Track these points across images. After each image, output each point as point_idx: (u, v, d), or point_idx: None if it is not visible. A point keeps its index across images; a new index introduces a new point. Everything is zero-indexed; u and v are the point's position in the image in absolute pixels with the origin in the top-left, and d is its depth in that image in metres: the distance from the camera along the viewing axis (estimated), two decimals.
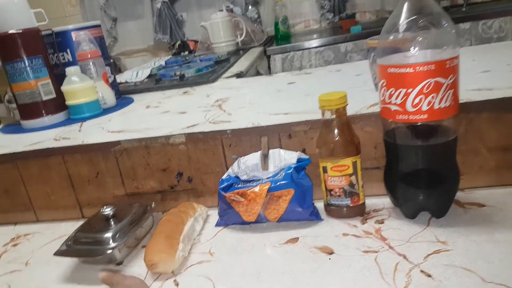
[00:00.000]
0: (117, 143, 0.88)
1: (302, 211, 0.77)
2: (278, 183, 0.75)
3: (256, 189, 0.76)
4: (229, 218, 0.80)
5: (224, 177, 0.82)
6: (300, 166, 0.78)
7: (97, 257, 0.69)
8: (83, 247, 0.72)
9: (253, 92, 1.22)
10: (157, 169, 0.89)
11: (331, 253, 0.68)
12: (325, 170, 0.76)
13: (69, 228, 0.91)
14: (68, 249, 0.72)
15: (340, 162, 0.74)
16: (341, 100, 0.73)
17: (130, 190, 0.92)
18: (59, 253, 0.71)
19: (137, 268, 0.72)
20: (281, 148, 0.83)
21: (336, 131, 0.74)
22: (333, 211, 0.79)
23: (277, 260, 0.69)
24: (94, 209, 0.93)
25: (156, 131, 0.90)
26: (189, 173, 0.88)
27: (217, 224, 0.82)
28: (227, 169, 0.86)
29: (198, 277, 0.67)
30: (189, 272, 0.69)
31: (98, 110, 1.21)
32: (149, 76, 1.78)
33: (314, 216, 0.78)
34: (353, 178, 0.76)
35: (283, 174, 0.77)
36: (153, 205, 0.84)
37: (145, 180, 0.90)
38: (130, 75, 1.81)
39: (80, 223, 0.92)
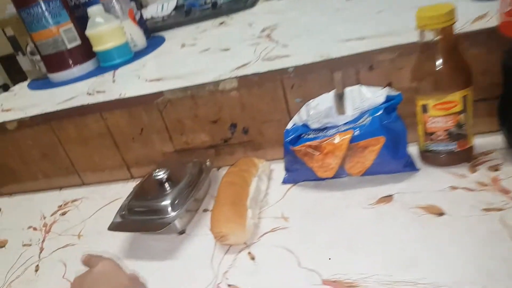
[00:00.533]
0: (159, 94, 0.76)
1: (395, 162, 0.63)
2: (364, 131, 0.61)
3: (335, 140, 0.62)
4: (299, 174, 0.69)
5: (289, 127, 0.68)
6: (391, 106, 0.63)
7: (157, 231, 0.61)
8: (139, 218, 0.65)
9: (306, 14, 1.00)
10: (207, 121, 0.77)
11: (440, 213, 0.55)
12: (425, 109, 0.61)
13: (119, 190, 0.85)
14: (123, 222, 0.65)
15: (447, 98, 0.58)
16: (449, 16, 0.55)
17: (179, 146, 0.82)
18: (113, 227, 0.64)
19: (202, 237, 0.64)
20: (360, 84, 0.68)
21: (441, 57, 0.57)
22: (432, 158, 0.64)
23: (369, 225, 0.57)
24: (143, 169, 0.85)
25: (201, 77, 0.76)
26: (244, 123, 0.76)
27: (284, 181, 0.71)
28: (290, 116, 0.73)
29: (275, 248, 0.57)
30: (263, 242, 0.59)
31: (129, 55, 1.08)
32: (176, 8, 1.59)
33: (409, 167, 0.64)
34: (461, 117, 0.60)
35: (369, 118, 0.62)
36: (208, 163, 0.74)
37: (195, 134, 0.79)
38: (155, 9, 1.63)
39: (130, 184, 0.86)
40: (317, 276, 0.51)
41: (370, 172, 0.64)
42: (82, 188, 0.91)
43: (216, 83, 0.72)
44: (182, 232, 0.66)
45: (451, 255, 0.49)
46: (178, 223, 0.64)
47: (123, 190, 0.83)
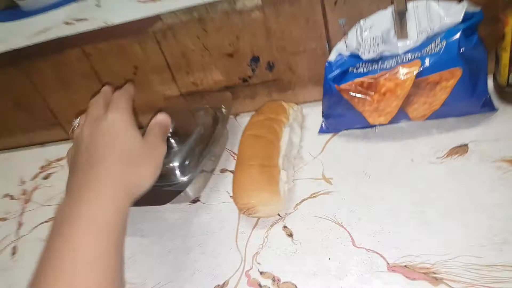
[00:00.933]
0: (156, 19, 0.61)
1: (471, 101, 0.49)
2: (435, 61, 0.47)
3: (398, 74, 0.48)
4: (343, 121, 0.55)
5: (332, 58, 0.54)
6: (471, 26, 0.48)
7: (165, 204, 0.49)
8: None
9: None
10: (220, 54, 0.63)
11: None
12: None
13: None
14: None
15: None
16: None
17: (185, 88, 0.68)
18: None
19: (222, 206, 0.52)
20: None
21: None
22: None
23: (440, 186, 0.45)
24: (142, 117, 0.72)
25: None
26: (269, 56, 0.62)
27: (322, 131, 0.58)
28: (330, 44, 0.58)
29: (317, 220, 0.46)
30: (301, 212, 0.48)
31: None
32: None
33: (487, 107, 0.51)
34: None
35: (442, 44, 0.47)
36: (223, 110, 0.61)
37: (205, 72, 0.65)
38: None
39: None
40: (380, 259, 0.40)
41: (436, 115, 0.51)
42: (68, 143, 0.79)
43: (232, 0, 0.57)
44: (195, 200, 0.54)
45: None
46: (190, 190, 0.52)
47: None
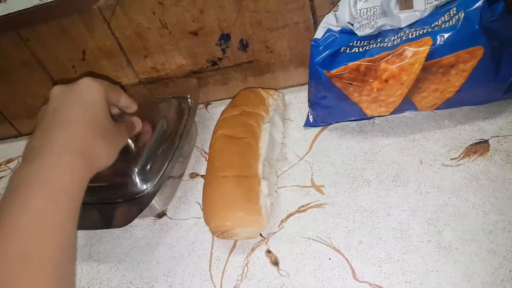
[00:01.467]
0: None
1: (493, 86, 0.40)
2: (451, 38, 0.37)
3: (404, 55, 0.38)
4: (334, 113, 0.45)
5: (319, 35, 0.43)
6: None
7: (122, 226, 0.39)
8: (94, 198, 0.42)
9: None
10: (183, 32, 0.51)
11: None
12: None
13: None
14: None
15: None
16: None
17: (145, 75, 0.56)
18: None
19: (192, 222, 0.43)
20: None
21: None
22: None
23: (460, 195, 0.36)
24: None
25: None
26: (241, 33, 0.50)
27: (308, 124, 0.49)
28: (315, 16, 0.47)
29: (308, 242, 0.37)
30: (288, 232, 0.38)
31: None
32: None
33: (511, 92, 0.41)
34: None
35: (459, 15, 0.37)
36: (190, 101, 0.50)
37: (166, 54, 0.53)
38: None
39: None
40: None
41: (449, 104, 0.41)
42: (19, 142, 0.68)
43: None
44: (162, 214, 0.45)
45: None
46: (156, 202, 0.42)
47: None
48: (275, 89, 0.53)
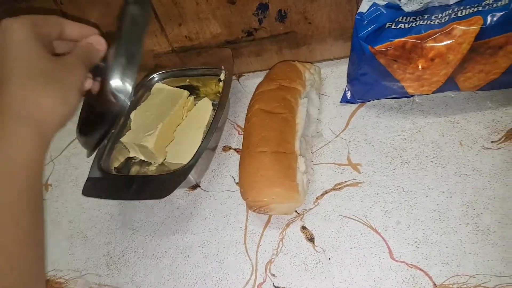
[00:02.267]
0: None
1: None
2: (501, 18, 0.34)
3: (452, 34, 0.36)
4: (374, 90, 0.44)
5: (364, 9, 0.40)
6: None
7: (161, 198, 0.39)
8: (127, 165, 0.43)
9: None
10: (220, 1, 0.49)
11: None
12: None
13: None
14: (102, 178, 0.43)
15: None
16: None
17: (178, 44, 0.55)
18: (88, 191, 0.42)
19: (226, 195, 0.43)
20: None
21: None
22: None
23: (501, 179, 0.35)
24: None
25: None
26: (281, 3, 0.48)
27: (345, 100, 0.47)
28: None
29: (343, 220, 0.37)
30: (323, 208, 0.38)
31: None
32: None
33: None
34: None
35: None
36: (223, 73, 0.49)
37: (201, 23, 0.52)
38: None
39: None
40: (425, 279, 0.32)
41: (492, 85, 0.40)
42: None
43: None
44: (195, 186, 0.45)
45: None
46: (190, 174, 0.42)
47: None
48: (311, 63, 0.52)
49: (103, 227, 0.46)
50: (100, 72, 0.34)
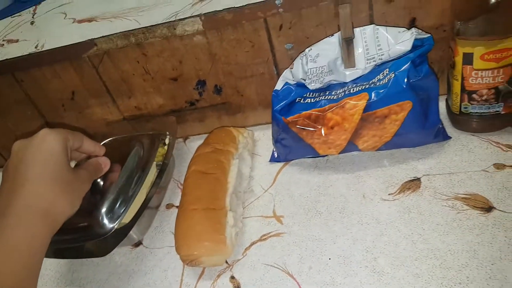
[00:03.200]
0: (90, 44, 0.53)
1: (423, 132, 0.46)
2: (384, 93, 0.43)
3: (345, 107, 0.44)
4: (294, 151, 0.50)
5: (278, 87, 0.48)
6: (421, 55, 0.44)
7: (100, 256, 0.42)
8: (67, 236, 0.45)
9: None
10: (164, 78, 0.56)
11: (490, 208, 0.40)
12: (468, 60, 0.42)
13: None
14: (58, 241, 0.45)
15: (503, 44, 0.40)
16: None
17: (128, 113, 0.61)
18: None
19: (166, 251, 0.47)
20: (372, 21, 0.47)
21: None
22: (468, 123, 0.48)
23: (395, 227, 0.41)
24: None
25: (151, 15, 0.53)
26: (215, 80, 0.55)
27: (273, 160, 0.53)
28: (277, 68, 0.53)
29: (267, 269, 0.41)
30: (250, 259, 0.43)
31: None
32: None
33: (440, 137, 0.47)
34: None
35: (390, 75, 0.43)
36: (167, 138, 0.55)
37: (148, 96, 0.58)
38: None
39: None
40: None
41: (388, 146, 0.47)
42: None
43: (172, 24, 0.50)
44: (138, 243, 0.48)
45: (511, 272, 0.35)
46: (134, 232, 0.46)
47: None
48: (246, 127, 0.58)
49: (53, 286, 0.47)
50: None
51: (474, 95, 0.45)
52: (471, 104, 0.46)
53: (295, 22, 0.48)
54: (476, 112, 0.46)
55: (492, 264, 0.36)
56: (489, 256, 0.36)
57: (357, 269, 0.39)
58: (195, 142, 0.61)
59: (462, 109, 0.47)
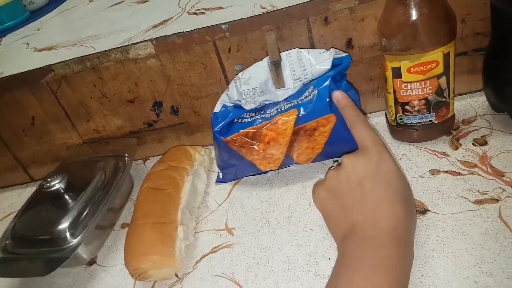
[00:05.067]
0: (48, 70, 0.54)
1: (351, 141, 0.48)
2: (310, 108, 0.45)
3: (277, 124, 0.46)
4: (238, 170, 0.52)
5: (217, 109, 0.51)
6: (340, 72, 0.47)
7: (50, 272, 0.42)
8: (28, 251, 0.45)
9: None
10: (120, 100, 0.57)
11: (425, 211, 0.42)
12: (396, 73, 0.46)
13: (15, 200, 0.64)
14: (5, 259, 0.45)
15: (426, 57, 0.43)
16: None
17: (87, 136, 0.62)
18: None
19: (119, 268, 0.46)
20: (312, 43, 0.51)
21: (419, 2, 0.41)
22: (406, 133, 0.51)
23: None
24: (45, 168, 0.65)
25: (106, 41, 0.55)
26: (172, 100, 0.57)
27: (219, 181, 0.54)
28: None
29: (215, 279, 0.42)
30: (201, 270, 0.43)
31: (23, 15, 0.83)
32: None
33: None
34: (442, 80, 0.46)
35: (314, 91, 0.46)
36: (126, 159, 0.56)
37: (106, 118, 0.59)
38: None
39: (29, 190, 0.66)
40: None
41: (321, 157, 0.49)
42: None
43: (125, 49, 0.52)
44: (92, 262, 0.48)
45: (442, 269, 0.36)
46: (83, 252, 0.46)
47: (20, 199, 0.63)
48: (204, 146, 0.60)
49: None
50: None
51: (407, 107, 0.48)
52: (406, 115, 0.49)
53: (242, 45, 0.51)
54: (411, 123, 0.49)
55: (425, 263, 0.37)
56: (423, 255, 0.38)
57: (300, 273, 0.40)
58: (154, 163, 0.62)
59: (398, 121, 0.50)
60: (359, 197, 0.36)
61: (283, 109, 0.46)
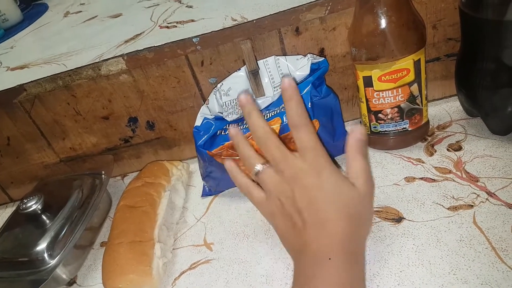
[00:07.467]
0: (20, 89, 0.54)
1: (335, 145, 0.49)
2: None
3: None
4: (223, 182, 0.52)
5: (198, 123, 0.51)
6: (319, 77, 0.47)
7: None
8: (6, 276, 0.45)
9: None
10: (95, 117, 0.57)
11: (400, 219, 0.43)
12: (368, 82, 0.46)
13: None
14: None
15: (396, 65, 0.44)
16: None
17: (64, 154, 0.61)
18: None
19: (99, 287, 0.46)
20: (285, 54, 0.51)
21: (386, 11, 0.42)
22: (380, 141, 0.51)
23: None
24: (23, 188, 0.64)
25: (78, 58, 0.55)
26: (147, 115, 0.57)
27: (205, 194, 0.54)
28: (205, 101, 0.55)
29: None
30: (180, 287, 0.43)
31: None
32: None
33: None
34: (414, 87, 0.46)
35: None
36: (103, 176, 0.55)
37: (81, 136, 0.59)
38: None
39: (8, 210, 0.65)
40: None
41: None
42: None
43: (96, 65, 0.52)
44: (71, 282, 0.47)
45: (418, 277, 0.37)
46: (62, 272, 0.45)
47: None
48: (182, 160, 0.60)
49: None
50: None
51: (380, 115, 0.48)
52: (379, 123, 0.49)
53: (215, 58, 0.51)
54: (385, 130, 0.50)
55: (400, 271, 0.38)
56: (398, 264, 0.38)
57: (278, 286, 0.39)
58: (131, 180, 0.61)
59: (372, 129, 0.50)
60: (301, 224, 0.35)
61: (266, 118, 0.46)
